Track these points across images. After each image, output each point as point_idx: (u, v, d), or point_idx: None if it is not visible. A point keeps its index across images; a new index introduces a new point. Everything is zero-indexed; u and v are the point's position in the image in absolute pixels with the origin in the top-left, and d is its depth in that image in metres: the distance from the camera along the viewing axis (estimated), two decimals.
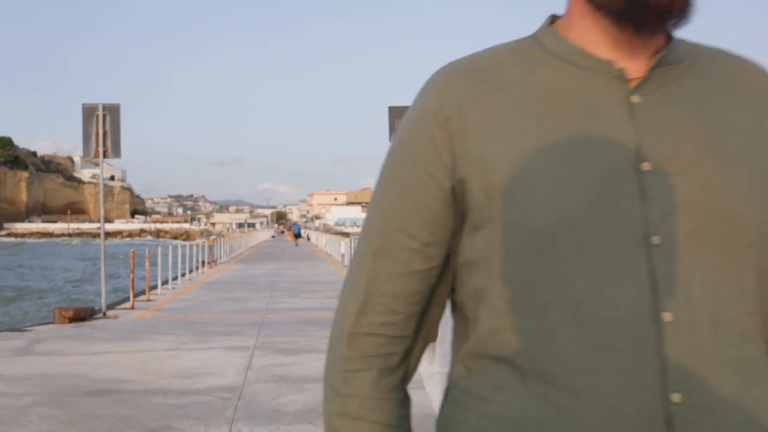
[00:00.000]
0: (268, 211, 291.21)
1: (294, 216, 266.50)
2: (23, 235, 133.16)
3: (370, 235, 0.93)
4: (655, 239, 0.81)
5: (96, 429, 5.13)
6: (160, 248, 17.16)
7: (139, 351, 8.35)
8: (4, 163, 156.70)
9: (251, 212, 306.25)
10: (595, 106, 0.86)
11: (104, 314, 11.68)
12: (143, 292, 14.91)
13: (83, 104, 12.13)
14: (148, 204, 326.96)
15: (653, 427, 0.79)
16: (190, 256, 21.44)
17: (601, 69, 0.87)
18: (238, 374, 6.95)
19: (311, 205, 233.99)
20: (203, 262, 24.06)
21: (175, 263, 18.22)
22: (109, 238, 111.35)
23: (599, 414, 0.80)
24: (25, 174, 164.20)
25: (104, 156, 12.02)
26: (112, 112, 12.10)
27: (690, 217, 0.82)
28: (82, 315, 11.15)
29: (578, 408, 0.81)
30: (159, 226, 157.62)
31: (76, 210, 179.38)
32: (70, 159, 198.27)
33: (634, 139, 0.84)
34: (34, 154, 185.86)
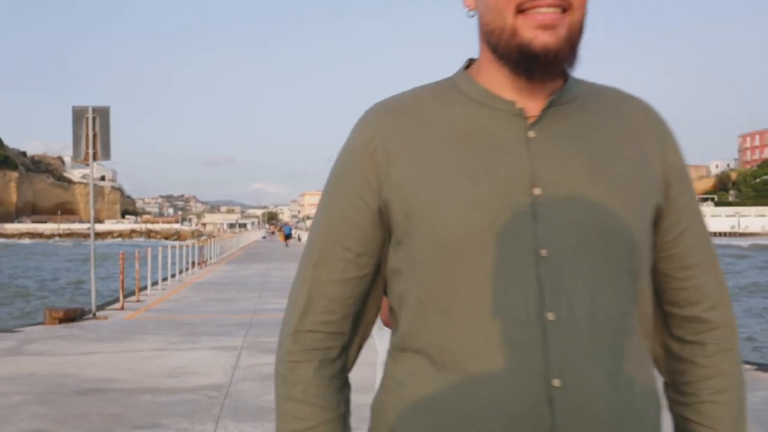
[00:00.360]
0: (259, 212, 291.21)
1: (285, 216, 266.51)
2: (13, 236, 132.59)
3: (312, 248, 1.11)
4: (543, 252, 0.98)
5: (85, 427, 5.28)
6: (150, 249, 17.28)
7: (128, 351, 8.49)
8: None
9: (242, 212, 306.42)
10: (498, 141, 1.03)
11: (94, 315, 11.80)
12: (133, 293, 15.02)
13: (73, 107, 12.17)
14: (139, 204, 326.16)
15: (538, 405, 0.96)
16: (180, 257, 21.55)
17: (505, 108, 1.04)
18: (225, 373, 7.10)
19: (302, 205, 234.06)
20: (193, 263, 24.17)
21: (165, 264, 18.34)
22: (100, 239, 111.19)
23: (494, 395, 0.97)
24: (14, 174, 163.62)
25: (94, 158, 12.11)
26: (102, 114, 12.19)
27: (573, 233, 0.99)
28: (72, 316, 11.26)
29: (477, 391, 0.98)
30: (150, 226, 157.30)
31: (66, 210, 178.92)
32: (61, 159, 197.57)
33: (529, 167, 1.01)
34: (24, 154, 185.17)
